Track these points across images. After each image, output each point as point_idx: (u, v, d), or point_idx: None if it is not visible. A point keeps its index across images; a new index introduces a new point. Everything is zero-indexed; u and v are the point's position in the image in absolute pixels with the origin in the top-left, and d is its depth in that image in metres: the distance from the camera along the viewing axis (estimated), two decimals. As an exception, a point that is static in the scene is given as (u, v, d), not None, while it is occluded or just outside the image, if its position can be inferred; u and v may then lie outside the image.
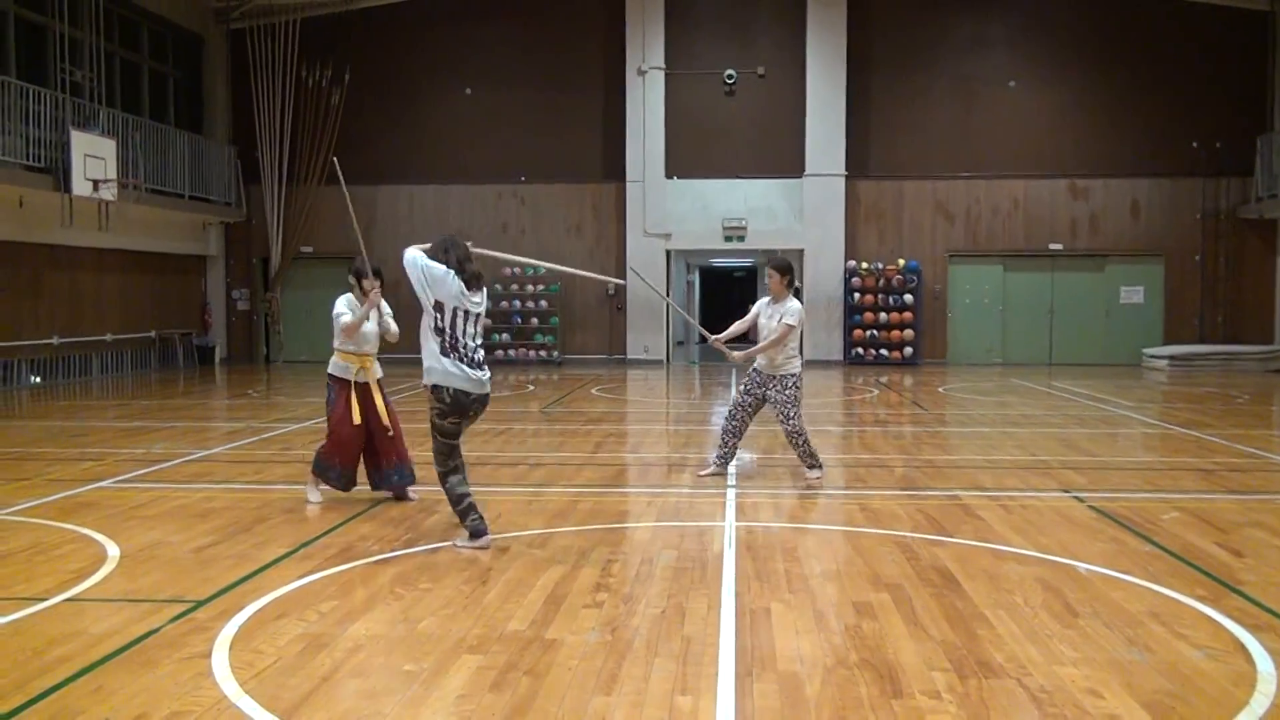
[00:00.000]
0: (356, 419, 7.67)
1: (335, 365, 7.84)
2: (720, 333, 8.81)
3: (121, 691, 4.09)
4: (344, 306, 7.77)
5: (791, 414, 8.53)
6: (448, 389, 6.15)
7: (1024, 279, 23.05)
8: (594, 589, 5.51)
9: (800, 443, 8.65)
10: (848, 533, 6.90)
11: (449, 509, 7.31)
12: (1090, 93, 22.66)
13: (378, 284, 7.68)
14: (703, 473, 8.96)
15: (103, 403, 15.76)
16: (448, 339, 6.14)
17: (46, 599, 5.32)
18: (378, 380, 7.88)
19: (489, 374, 6.32)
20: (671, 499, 8.01)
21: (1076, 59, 22.69)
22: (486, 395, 6.33)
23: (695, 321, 8.82)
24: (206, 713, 3.89)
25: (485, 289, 6.40)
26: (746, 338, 8.81)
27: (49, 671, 4.30)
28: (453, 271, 6.17)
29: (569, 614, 5.09)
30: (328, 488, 7.89)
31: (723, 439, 8.89)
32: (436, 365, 6.14)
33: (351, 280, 7.77)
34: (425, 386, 6.25)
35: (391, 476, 7.85)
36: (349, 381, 7.76)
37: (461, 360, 6.16)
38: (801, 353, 8.82)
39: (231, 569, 5.90)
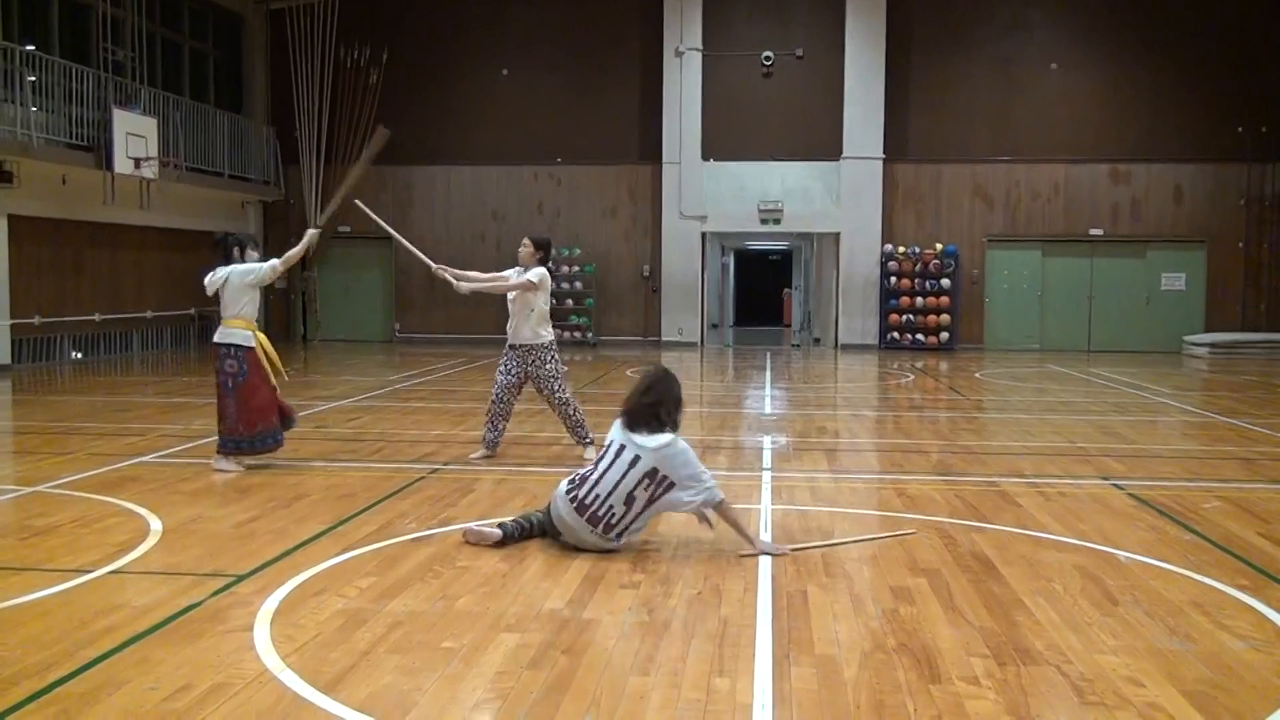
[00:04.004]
0: (272, 380, 8.15)
1: (241, 335, 8.10)
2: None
3: (166, 663, 4.15)
4: (251, 268, 8.20)
5: (556, 388, 8.68)
6: None
7: (1063, 264, 22.82)
8: (631, 569, 5.52)
9: (569, 413, 8.81)
10: (884, 517, 6.88)
11: (487, 487, 7.62)
12: (1133, 76, 22.35)
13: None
14: (473, 456, 8.83)
15: (143, 379, 15.95)
16: None
17: (92, 571, 5.40)
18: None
19: None
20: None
21: (1119, 41, 22.36)
22: None
23: (417, 250, 9.03)
24: (249, 685, 3.93)
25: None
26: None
27: (95, 642, 4.37)
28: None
29: (606, 594, 5.11)
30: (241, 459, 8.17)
31: (492, 422, 8.82)
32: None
33: (237, 253, 8.25)
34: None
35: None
36: (254, 349, 8.10)
37: None
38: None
39: (271, 544, 5.96)
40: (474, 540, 5.96)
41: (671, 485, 5.70)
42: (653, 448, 5.70)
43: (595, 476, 5.77)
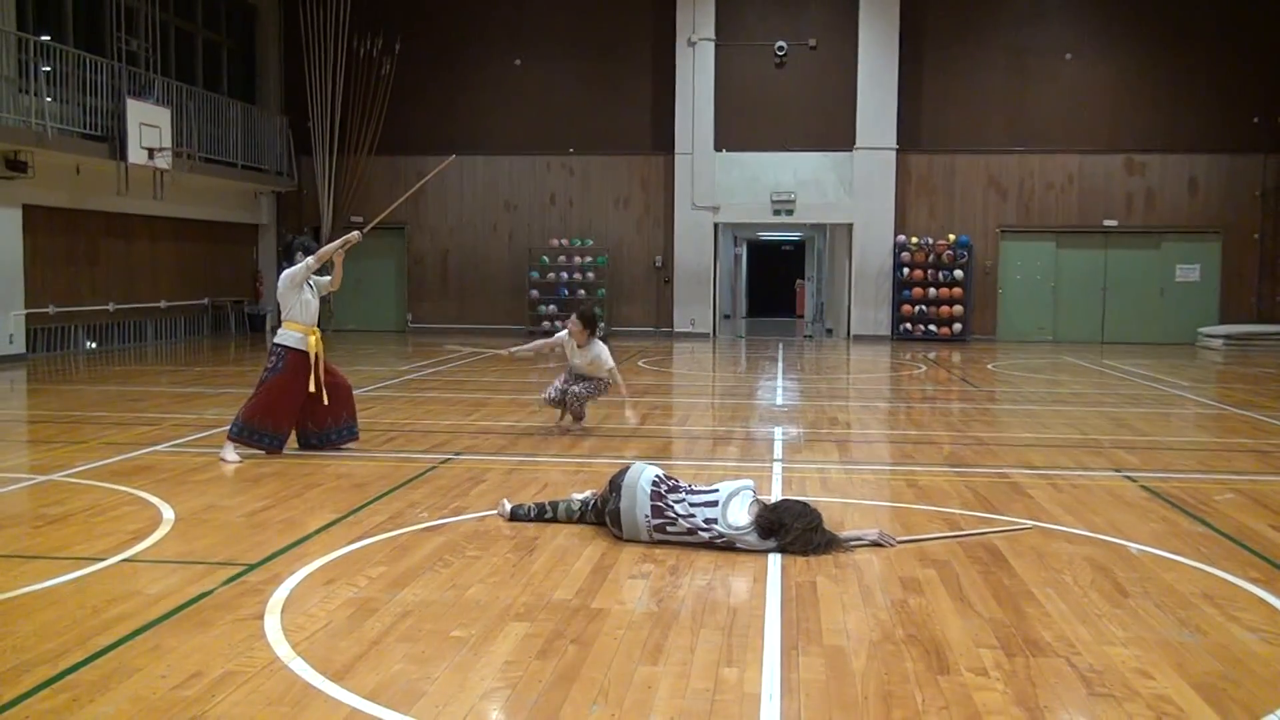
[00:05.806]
0: (311, 388, 8.24)
1: (290, 337, 8.28)
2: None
3: (177, 650, 4.17)
4: (288, 272, 8.32)
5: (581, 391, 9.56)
6: None
7: (1077, 255, 22.72)
8: (640, 560, 5.52)
9: (578, 408, 9.68)
10: (895, 508, 6.87)
11: (497, 477, 7.58)
12: (1148, 66, 22.22)
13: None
14: (571, 429, 9.71)
15: (157, 368, 16.01)
16: None
17: (105, 559, 5.43)
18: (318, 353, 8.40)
19: None
20: (718, 472, 8.00)
21: (1134, 31, 22.24)
22: None
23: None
24: (259, 673, 3.95)
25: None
26: None
27: (108, 629, 4.40)
28: None
29: (615, 584, 5.12)
30: (248, 450, 8.24)
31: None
32: None
33: (300, 256, 8.31)
34: None
35: (331, 435, 8.54)
36: (303, 352, 8.24)
37: None
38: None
39: (282, 534, 5.99)
40: (499, 511, 6.39)
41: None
42: (735, 527, 5.64)
43: (687, 495, 5.83)
